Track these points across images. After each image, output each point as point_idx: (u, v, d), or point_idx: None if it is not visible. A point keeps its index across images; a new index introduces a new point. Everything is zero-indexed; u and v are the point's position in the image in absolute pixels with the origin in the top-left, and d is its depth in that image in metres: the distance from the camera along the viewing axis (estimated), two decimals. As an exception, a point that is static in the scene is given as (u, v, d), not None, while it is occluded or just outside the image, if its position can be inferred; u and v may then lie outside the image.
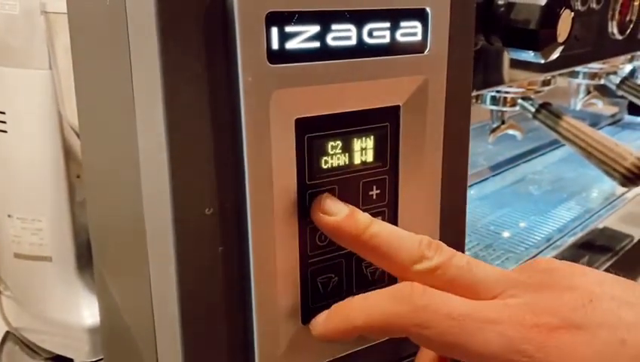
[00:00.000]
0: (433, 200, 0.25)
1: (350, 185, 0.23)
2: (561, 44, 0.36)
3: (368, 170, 0.23)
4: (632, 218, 0.73)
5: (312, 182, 0.22)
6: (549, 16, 0.35)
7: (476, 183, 0.70)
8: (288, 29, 0.20)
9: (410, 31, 0.22)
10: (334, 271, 0.24)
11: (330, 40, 0.21)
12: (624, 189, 0.71)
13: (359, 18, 0.21)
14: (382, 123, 0.23)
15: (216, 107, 0.20)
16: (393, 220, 0.24)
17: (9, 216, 0.52)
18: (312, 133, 0.22)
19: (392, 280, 0.25)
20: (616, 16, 0.53)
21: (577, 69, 0.67)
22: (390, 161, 0.24)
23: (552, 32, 0.35)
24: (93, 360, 0.53)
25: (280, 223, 0.22)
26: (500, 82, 0.43)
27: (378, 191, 0.24)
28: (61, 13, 0.45)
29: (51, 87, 0.49)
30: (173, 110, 0.19)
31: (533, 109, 0.52)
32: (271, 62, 0.20)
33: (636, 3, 0.56)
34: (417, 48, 0.22)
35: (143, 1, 0.19)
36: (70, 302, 0.53)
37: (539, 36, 0.35)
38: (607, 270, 0.66)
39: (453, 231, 0.27)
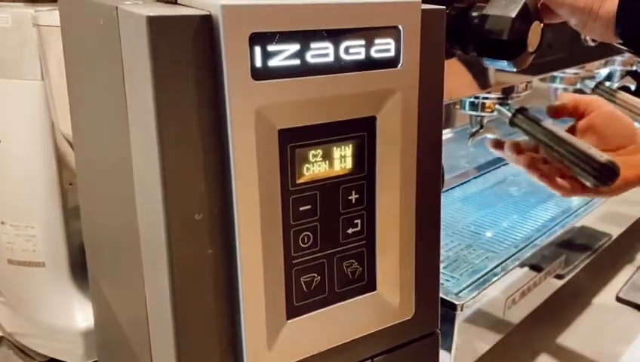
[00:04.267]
0: (409, 203, 0.27)
1: (331, 191, 0.25)
2: (532, 53, 0.38)
3: (347, 176, 0.25)
4: (610, 217, 0.75)
5: (295, 188, 0.24)
6: (520, 28, 0.37)
7: (459, 185, 0.72)
8: (270, 48, 0.21)
9: (383, 47, 0.24)
10: (317, 270, 0.25)
11: (309, 57, 0.22)
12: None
13: (336, 37, 0.23)
14: (359, 132, 0.25)
15: (204, 121, 0.21)
16: (371, 223, 0.26)
17: (2, 223, 0.53)
18: (295, 143, 0.23)
19: (372, 280, 0.27)
20: (589, 23, 0.55)
21: (555, 73, 0.70)
22: (368, 167, 0.25)
23: (523, 42, 0.37)
24: (87, 361, 0.54)
25: (265, 227, 0.23)
26: (477, 89, 0.45)
27: (357, 196, 0.26)
28: (53, 27, 0.47)
29: (44, 97, 0.50)
30: (165, 124, 0.21)
31: (509, 114, 0.54)
32: (255, 79, 0.21)
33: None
34: (391, 63, 0.24)
35: (136, 23, 0.20)
36: (63, 307, 0.55)
37: (510, 46, 0.37)
38: (586, 268, 0.68)
39: (428, 231, 0.28)
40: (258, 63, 0.21)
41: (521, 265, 0.53)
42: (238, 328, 0.24)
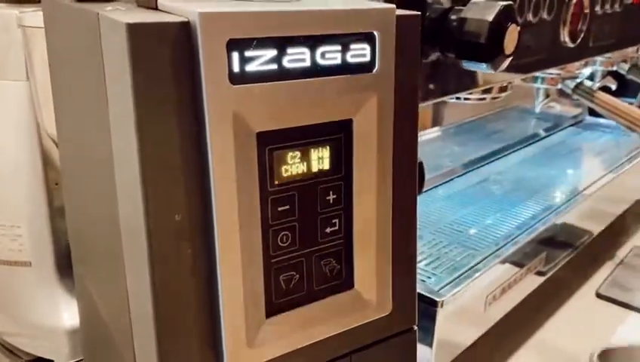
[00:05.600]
0: (386, 202, 0.27)
1: (309, 192, 0.26)
2: (509, 55, 0.39)
3: (325, 177, 0.26)
4: (592, 215, 0.76)
5: (274, 189, 0.25)
6: (497, 31, 0.38)
7: (442, 183, 0.73)
8: (248, 53, 0.22)
9: (359, 52, 0.25)
10: (296, 269, 0.26)
11: (286, 62, 0.23)
12: (584, 186, 0.74)
13: (312, 42, 0.23)
14: (336, 135, 0.26)
15: (184, 124, 0.22)
16: (349, 222, 0.27)
17: (-13, 222, 0.53)
18: (273, 145, 0.24)
19: (350, 278, 0.28)
20: (568, 25, 0.56)
21: (537, 74, 0.71)
22: (345, 168, 0.26)
23: (500, 45, 0.38)
24: (73, 361, 0.55)
25: (244, 227, 0.24)
26: (457, 90, 0.46)
27: (334, 196, 0.26)
28: (38, 28, 0.47)
29: (28, 97, 0.50)
30: (145, 128, 0.21)
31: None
32: (232, 83, 0.22)
33: (587, 11, 0.59)
34: (366, 68, 0.25)
35: (116, 30, 0.21)
36: (50, 306, 0.55)
37: (488, 49, 0.38)
38: (566, 264, 0.70)
39: (405, 230, 0.29)
40: (236, 68, 0.22)
41: (502, 262, 0.54)
42: (218, 325, 0.25)
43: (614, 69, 0.84)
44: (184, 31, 0.21)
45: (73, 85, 0.31)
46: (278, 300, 0.26)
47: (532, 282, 0.61)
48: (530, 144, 0.89)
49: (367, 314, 0.28)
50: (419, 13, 0.27)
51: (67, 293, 0.55)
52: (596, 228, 0.77)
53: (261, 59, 0.22)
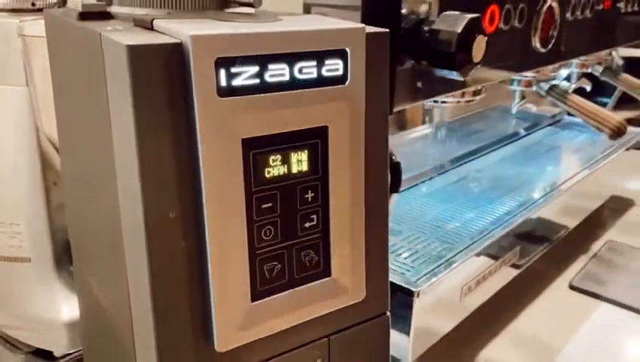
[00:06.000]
0: (359, 200, 0.31)
1: (289, 191, 0.29)
2: (477, 64, 0.42)
3: (304, 177, 0.29)
4: (567, 210, 0.80)
5: (258, 189, 0.28)
6: (465, 41, 0.41)
7: (424, 181, 0.76)
8: (233, 70, 0.25)
9: (333, 67, 0.28)
10: (278, 259, 0.29)
11: (267, 77, 0.26)
12: (560, 183, 0.78)
13: (291, 59, 0.27)
14: (314, 140, 0.29)
15: (178, 133, 0.25)
16: (325, 218, 0.30)
17: (-12, 221, 0.56)
18: (256, 150, 0.27)
19: (327, 267, 0.31)
20: (539, 32, 0.60)
21: (513, 77, 0.74)
22: (321, 170, 0.29)
23: (468, 54, 0.42)
24: (71, 352, 0.57)
25: (232, 223, 0.27)
26: (431, 95, 0.49)
27: (312, 195, 0.29)
28: (37, 37, 0.50)
29: (28, 101, 0.53)
30: (143, 137, 0.24)
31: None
32: (220, 96, 0.25)
33: (557, 19, 0.63)
34: (339, 80, 0.28)
35: (117, 50, 0.24)
36: (48, 300, 0.58)
37: (457, 58, 0.42)
38: (542, 258, 0.74)
39: (377, 224, 0.32)
40: (223, 83, 0.25)
41: (477, 255, 0.58)
42: (209, 311, 0.28)
43: (589, 71, 0.88)
44: (178, 51, 0.24)
45: (75, 96, 0.34)
46: (263, 287, 0.29)
47: (507, 274, 0.65)
48: (509, 143, 0.92)
49: (343, 299, 0.31)
50: (387, 30, 0.30)
51: (65, 288, 0.58)
52: (571, 222, 0.81)
53: (245, 75, 0.26)
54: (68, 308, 0.57)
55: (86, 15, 0.31)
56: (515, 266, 0.66)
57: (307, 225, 0.30)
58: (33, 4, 0.54)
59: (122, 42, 0.24)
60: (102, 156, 0.29)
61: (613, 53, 0.96)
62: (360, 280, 0.32)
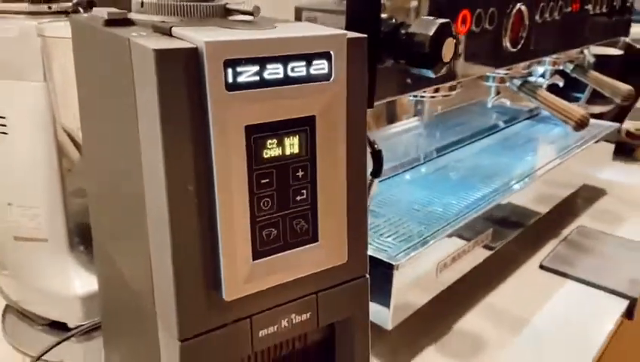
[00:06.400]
0: (341, 178, 0.37)
1: (283, 169, 0.35)
2: (447, 63, 0.48)
3: (295, 158, 0.35)
4: (540, 197, 0.86)
5: (258, 167, 0.34)
6: (436, 44, 0.47)
7: (408, 170, 0.83)
8: (239, 69, 0.31)
9: (320, 67, 0.34)
10: (274, 226, 0.35)
11: (266, 75, 0.32)
12: (533, 171, 0.84)
13: (285, 60, 0.32)
14: (304, 127, 0.35)
15: (194, 122, 0.31)
16: (314, 192, 0.36)
17: (9, 204, 0.62)
18: (257, 135, 0.33)
19: (315, 234, 0.37)
20: (509, 33, 0.66)
21: (487, 74, 0.80)
22: (310, 152, 0.35)
23: (439, 55, 0.48)
24: (85, 323, 0.63)
25: (236, 195, 0.33)
26: (408, 91, 0.55)
27: (302, 173, 0.35)
28: (55, 38, 0.55)
29: (46, 95, 0.58)
30: (167, 126, 0.30)
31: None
32: (228, 91, 0.31)
33: (526, 22, 0.69)
34: (325, 77, 0.34)
35: (145, 54, 0.30)
36: (63, 276, 0.63)
37: (429, 58, 0.48)
38: (514, 241, 0.80)
39: (356, 198, 0.38)
40: (230, 80, 0.31)
41: (451, 235, 0.64)
42: (219, 267, 0.34)
43: (561, 68, 0.94)
44: (194, 54, 0.30)
45: (102, 91, 0.39)
46: (262, 249, 0.35)
47: (481, 254, 0.71)
48: (488, 135, 0.99)
49: (328, 262, 0.37)
50: (365, 35, 0.36)
51: (77, 265, 0.64)
52: (544, 209, 0.87)
53: (248, 73, 0.31)
54: (80, 283, 0.63)
55: (111, 22, 0.37)
56: (488, 247, 0.72)
57: (298, 198, 0.36)
58: (50, 7, 0.60)
59: (149, 47, 0.30)
60: (128, 142, 0.35)
61: (585, 51, 1.03)
62: (342, 246, 0.38)
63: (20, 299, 0.66)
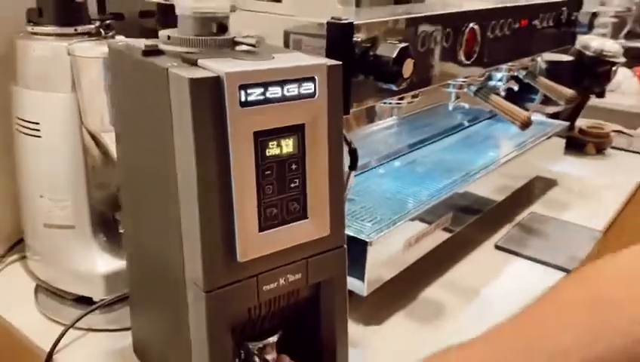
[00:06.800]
0: (324, 170, 0.48)
1: (281, 164, 0.46)
2: (407, 78, 0.61)
3: (290, 155, 0.47)
4: (498, 187, 0.99)
5: (263, 162, 0.45)
6: (397, 63, 0.59)
7: (380, 165, 0.95)
8: (249, 90, 0.43)
9: (307, 88, 0.46)
10: (274, 206, 0.47)
11: (268, 94, 0.44)
12: (490, 164, 0.97)
13: (281, 83, 0.44)
14: (296, 132, 0.46)
15: (217, 131, 0.42)
16: (303, 181, 0.48)
17: (41, 196, 0.72)
18: (261, 138, 0.45)
19: (305, 213, 0.49)
20: (463, 48, 0.78)
21: (448, 82, 0.93)
22: (301, 150, 0.47)
23: (400, 72, 0.60)
24: (107, 297, 0.74)
25: (247, 183, 0.45)
26: (377, 100, 0.67)
27: (295, 167, 0.47)
28: (83, 57, 0.66)
29: (73, 104, 0.69)
30: (198, 136, 0.42)
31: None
32: (241, 107, 0.43)
33: (479, 38, 0.81)
34: (311, 95, 0.46)
35: (181, 81, 0.41)
36: (88, 258, 0.74)
37: (392, 75, 0.60)
38: (472, 225, 0.94)
39: (336, 186, 0.50)
40: (242, 99, 0.43)
41: (417, 219, 0.76)
42: (234, 237, 0.45)
43: (516, 74, 1.07)
44: (217, 81, 0.42)
45: (139, 106, 0.51)
46: (265, 223, 0.46)
47: (443, 235, 0.84)
48: (452, 134, 1.11)
49: (314, 234, 0.49)
50: (340, 63, 0.48)
51: (99, 248, 0.75)
52: (499, 197, 1.00)
53: (255, 94, 0.43)
54: (103, 263, 0.74)
55: (147, 52, 0.48)
56: (448, 230, 0.85)
57: (292, 185, 0.47)
58: (75, 30, 0.71)
59: (185, 76, 0.41)
60: (163, 145, 0.46)
61: (538, 59, 1.16)
62: (326, 221, 0.50)
63: (49, 279, 0.77)
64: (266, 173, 0.46)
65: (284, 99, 0.45)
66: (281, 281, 0.50)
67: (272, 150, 0.46)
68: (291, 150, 0.47)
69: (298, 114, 0.46)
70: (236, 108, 0.43)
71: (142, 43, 0.50)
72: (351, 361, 0.57)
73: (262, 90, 0.43)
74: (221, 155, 0.44)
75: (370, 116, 0.98)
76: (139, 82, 0.50)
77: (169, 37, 0.50)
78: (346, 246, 0.54)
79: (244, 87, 0.43)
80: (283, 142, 0.46)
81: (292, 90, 0.45)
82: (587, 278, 0.42)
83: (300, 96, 0.45)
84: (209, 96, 0.42)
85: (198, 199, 0.44)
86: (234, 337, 0.50)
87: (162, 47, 0.50)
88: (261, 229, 0.46)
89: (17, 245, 0.85)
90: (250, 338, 0.53)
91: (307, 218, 0.49)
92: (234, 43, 0.51)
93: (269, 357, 0.53)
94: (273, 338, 0.53)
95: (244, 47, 0.51)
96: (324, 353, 0.55)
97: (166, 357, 0.59)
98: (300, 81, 0.45)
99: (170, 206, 0.48)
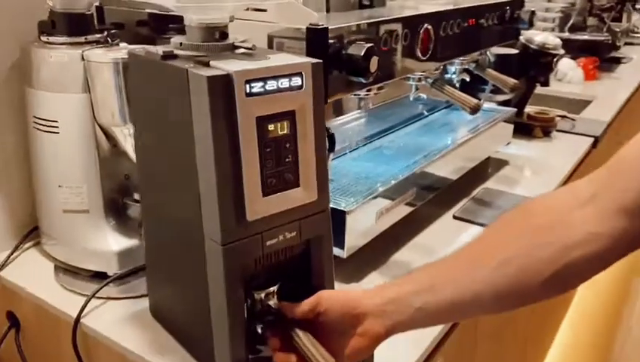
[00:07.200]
0: (311, 148, 0.61)
1: (278, 142, 0.58)
2: (373, 72, 0.73)
3: (285, 136, 0.59)
4: (455, 167, 1.13)
5: (264, 141, 0.57)
6: (365, 60, 0.72)
7: (353, 150, 1.08)
8: (252, 84, 0.55)
9: (296, 81, 0.58)
10: (273, 177, 0.59)
11: (267, 87, 0.56)
12: (447, 147, 1.10)
13: (276, 78, 0.56)
14: (288, 117, 0.58)
15: (228, 115, 0.54)
16: (296, 156, 0.60)
17: (59, 186, 0.83)
18: (263, 122, 0.57)
19: (297, 182, 0.61)
20: (419, 46, 0.92)
21: (408, 75, 1.06)
22: (293, 132, 0.59)
23: (368, 67, 0.73)
24: (120, 271, 0.85)
25: (252, 158, 0.56)
26: (349, 91, 0.80)
27: (289, 145, 0.59)
28: (96, 62, 0.77)
29: (87, 103, 0.80)
30: (214, 120, 0.54)
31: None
32: (246, 97, 0.55)
33: (433, 37, 0.94)
34: (300, 87, 0.58)
35: (200, 79, 0.53)
36: (102, 237, 0.85)
37: (361, 70, 0.72)
38: (432, 200, 1.09)
39: (321, 161, 0.62)
40: (247, 91, 0.55)
41: (385, 193, 0.89)
42: (244, 199, 0.57)
43: (467, 67, 1.21)
44: (228, 77, 0.54)
45: (159, 102, 0.62)
46: (267, 190, 0.58)
47: (408, 208, 0.97)
48: (414, 122, 1.25)
49: (305, 199, 0.61)
50: (321, 60, 0.60)
51: (111, 229, 0.85)
52: (456, 175, 1.14)
53: (257, 86, 0.55)
54: (114, 241, 0.85)
55: (166, 57, 0.60)
56: (412, 204, 0.98)
57: (287, 160, 0.60)
58: (86, 39, 0.81)
59: (203, 74, 0.53)
60: (183, 132, 0.58)
61: (487, 52, 1.31)
62: (314, 189, 0.62)
63: (67, 259, 0.87)
64: (267, 150, 0.58)
65: (278, 90, 0.57)
66: (280, 237, 0.62)
67: (271, 131, 0.58)
68: (285, 131, 0.59)
69: (290, 102, 0.58)
70: (243, 98, 0.55)
71: (157, 49, 0.61)
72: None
73: (262, 83, 0.56)
74: (232, 136, 0.55)
75: (343, 109, 1.11)
76: (160, 80, 0.62)
77: (181, 44, 0.62)
78: (330, 209, 0.66)
79: (248, 81, 0.55)
80: (279, 125, 0.58)
81: (284, 83, 0.57)
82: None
83: (290, 88, 0.58)
84: (222, 89, 0.54)
85: (215, 170, 0.55)
86: (243, 287, 0.62)
87: (176, 52, 0.62)
88: (264, 195, 0.58)
89: (31, 233, 0.94)
90: (256, 289, 0.65)
91: (299, 186, 0.61)
92: (233, 47, 0.63)
93: (270, 302, 0.65)
94: (274, 288, 0.65)
95: (242, 50, 0.62)
96: (316, 298, 0.68)
97: (184, 312, 0.70)
98: (290, 75, 0.57)
99: (190, 179, 0.59)
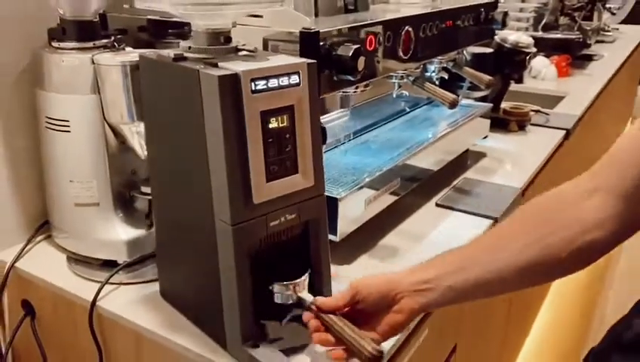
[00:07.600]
0: (308, 139, 0.68)
1: (279, 134, 0.66)
2: (360, 71, 0.81)
3: (285, 128, 0.66)
4: (436, 158, 1.21)
5: (267, 132, 0.65)
6: (353, 60, 0.80)
7: (341, 144, 1.15)
8: (257, 82, 0.62)
9: (294, 79, 0.65)
10: (275, 164, 0.66)
11: (269, 84, 0.63)
12: (429, 140, 1.18)
13: (277, 76, 0.64)
14: (288, 111, 0.66)
15: (236, 110, 0.62)
16: (294, 147, 0.67)
17: (71, 181, 0.89)
18: (266, 116, 0.64)
19: (295, 169, 0.68)
20: (401, 46, 0.99)
21: (391, 73, 1.14)
22: (292, 124, 0.67)
23: (355, 67, 0.80)
24: (128, 259, 0.91)
25: (257, 147, 0.64)
26: (339, 88, 0.87)
27: (288, 136, 0.67)
28: (105, 65, 0.83)
29: (97, 103, 0.86)
30: (225, 115, 0.61)
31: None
32: (252, 94, 0.62)
33: (413, 38, 1.02)
34: (297, 85, 0.66)
35: (211, 79, 0.60)
36: (111, 228, 0.91)
37: (349, 69, 0.80)
38: (415, 189, 1.18)
39: (317, 151, 0.70)
40: (253, 88, 0.62)
41: (373, 183, 0.97)
42: (250, 184, 0.64)
43: (445, 65, 1.29)
44: (236, 77, 0.61)
45: (171, 101, 0.69)
46: (270, 176, 0.66)
47: (394, 196, 1.05)
48: (397, 117, 1.33)
49: (303, 184, 0.69)
50: (315, 61, 0.68)
51: (120, 220, 0.92)
52: (437, 166, 1.22)
53: (261, 84, 0.63)
54: (123, 231, 0.91)
55: (177, 59, 0.67)
56: (397, 193, 1.06)
57: (287, 149, 0.67)
58: (94, 44, 0.88)
59: (214, 74, 0.60)
60: (195, 128, 0.65)
61: (464, 52, 1.40)
62: (311, 175, 0.69)
63: (79, 250, 0.93)
64: (269, 140, 0.65)
65: (279, 87, 0.64)
66: (282, 219, 0.69)
67: (273, 124, 0.65)
68: (285, 124, 0.66)
69: (289, 98, 0.66)
70: (249, 95, 0.62)
71: (168, 52, 0.68)
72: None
73: (265, 81, 0.63)
74: (239, 129, 0.63)
75: (331, 106, 1.18)
76: (172, 80, 0.69)
77: (190, 47, 0.69)
78: (325, 194, 0.73)
79: (253, 80, 0.62)
80: (279, 118, 0.65)
81: (284, 81, 0.65)
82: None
83: (289, 85, 0.65)
84: (230, 87, 0.61)
85: (225, 159, 0.63)
86: (249, 264, 0.69)
87: (185, 54, 0.69)
88: (268, 180, 0.66)
89: (42, 227, 1.00)
90: (279, 279, 0.69)
91: (298, 173, 0.68)
92: (237, 50, 0.70)
93: (301, 295, 0.68)
94: (302, 278, 0.69)
95: (245, 53, 0.70)
96: (315, 274, 0.75)
97: (194, 291, 0.77)
98: (289, 74, 0.65)
99: (201, 167, 0.66)
